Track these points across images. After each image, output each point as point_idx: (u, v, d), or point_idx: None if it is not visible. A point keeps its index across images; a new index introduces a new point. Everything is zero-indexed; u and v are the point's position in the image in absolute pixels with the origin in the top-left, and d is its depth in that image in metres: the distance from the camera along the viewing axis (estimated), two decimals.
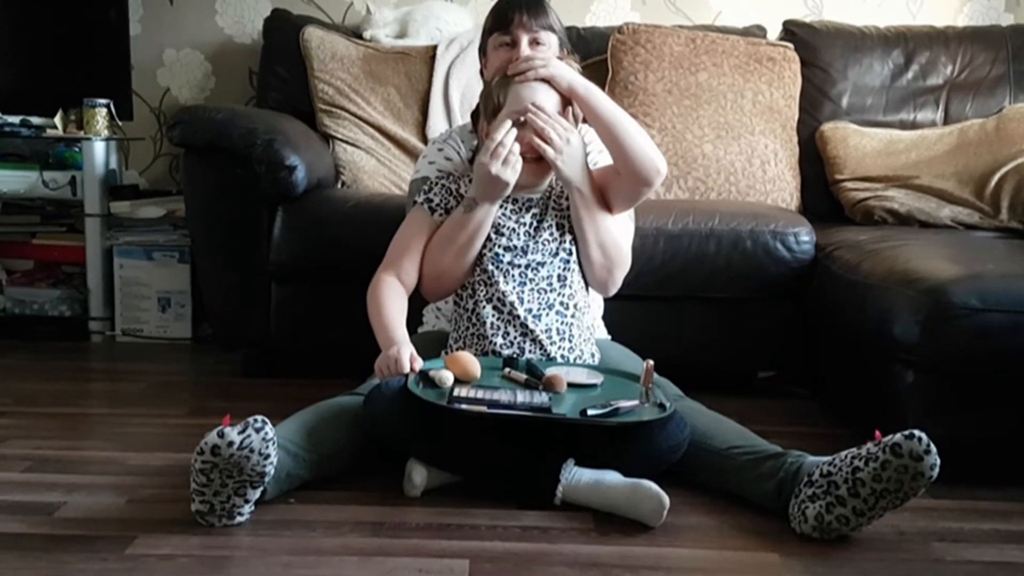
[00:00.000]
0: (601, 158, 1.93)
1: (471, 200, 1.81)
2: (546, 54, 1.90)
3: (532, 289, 1.82)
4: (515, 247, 1.84)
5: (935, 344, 1.77)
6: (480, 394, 1.62)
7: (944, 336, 1.76)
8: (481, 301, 1.83)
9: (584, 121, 1.88)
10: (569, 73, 1.83)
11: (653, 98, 2.76)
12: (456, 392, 1.62)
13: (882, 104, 2.91)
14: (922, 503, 1.56)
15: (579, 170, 1.82)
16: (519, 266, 1.83)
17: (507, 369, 1.74)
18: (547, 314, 1.82)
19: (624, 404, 1.63)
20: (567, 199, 1.87)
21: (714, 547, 1.51)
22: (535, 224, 1.87)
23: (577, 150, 1.81)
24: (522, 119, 1.79)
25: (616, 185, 1.85)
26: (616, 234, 1.89)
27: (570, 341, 1.83)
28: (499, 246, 1.84)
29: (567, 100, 1.84)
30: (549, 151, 1.78)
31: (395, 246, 1.89)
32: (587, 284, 1.91)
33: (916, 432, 1.45)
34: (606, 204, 1.87)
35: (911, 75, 2.92)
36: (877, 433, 1.49)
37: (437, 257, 1.84)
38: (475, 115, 2.07)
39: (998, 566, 1.47)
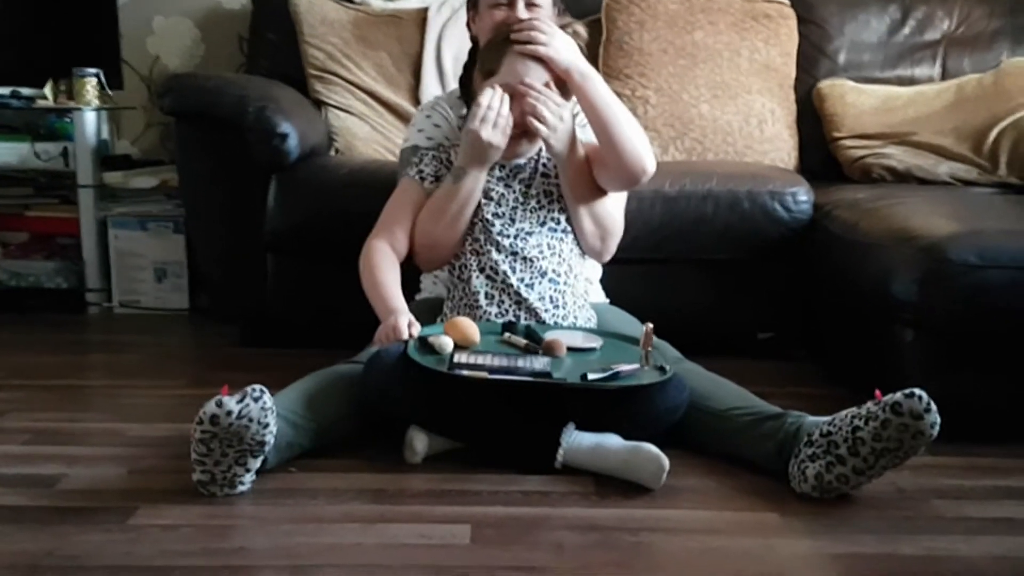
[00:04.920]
0: (588, 132, 1.90)
1: (460, 169, 1.80)
2: (550, 24, 1.84)
3: (523, 258, 1.81)
4: (503, 214, 1.83)
5: (934, 302, 1.77)
6: (480, 359, 1.62)
7: (943, 293, 1.75)
8: (474, 271, 1.82)
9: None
10: (569, 55, 1.80)
11: (648, 58, 2.73)
12: (456, 358, 1.62)
13: (879, 60, 2.88)
14: (922, 460, 1.56)
15: (568, 144, 1.80)
16: (508, 235, 1.82)
17: (506, 334, 1.74)
18: (540, 282, 1.81)
19: (624, 368, 1.63)
20: (556, 167, 1.86)
21: (714, 508, 1.52)
22: (523, 191, 1.85)
23: (568, 125, 1.79)
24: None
25: (602, 171, 1.83)
26: (608, 203, 1.88)
27: (564, 308, 1.83)
28: (488, 212, 1.83)
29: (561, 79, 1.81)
30: (543, 129, 1.76)
31: (386, 215, 1.88)
32: (582, 251, 1.90)
33: (916, 391, 1.45)
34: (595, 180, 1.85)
35: (908, 30, 2.89)
36: (877, 392, 1.50)
37: (429, 227, 1.83)
38: (463, 80, 2.05)
39: (998, 522, 1.48)
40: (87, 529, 1.40)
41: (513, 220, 1.84)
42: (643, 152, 1.82)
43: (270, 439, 1.48)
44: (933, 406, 1.44)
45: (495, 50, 1.82)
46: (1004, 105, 2.66)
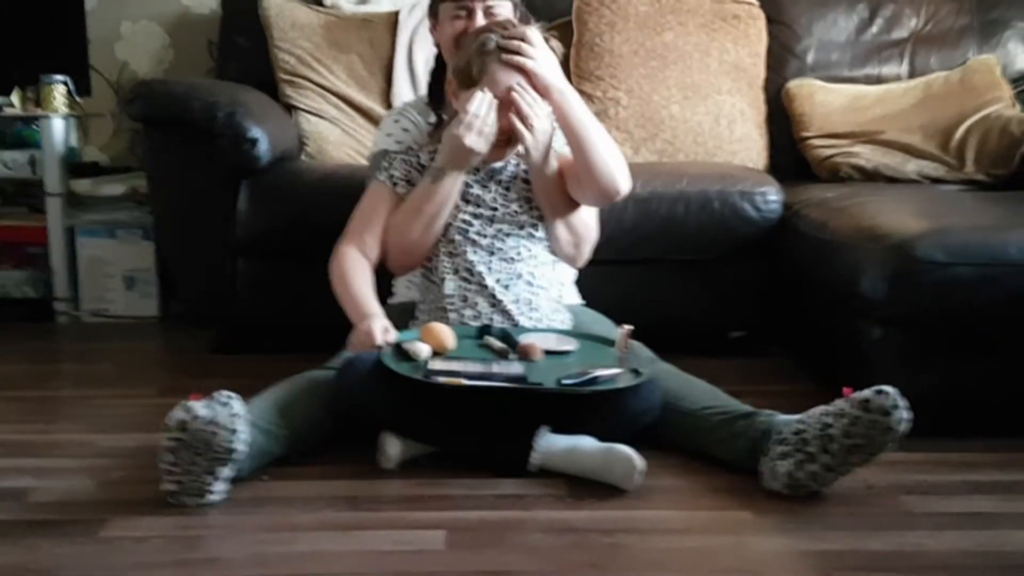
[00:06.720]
0: (560, 143, 1.89)
1: (438, 170, 1.79)
2: (538, 35, 1.80)
3: (500, 259, 1.81)
4: (482, 215, 1.83)
5: (902, 299, 1.79)
6: (456, 365, 1.61)
7: (910, 291, 1.77)
8: (448, 273, 1.81)
9: None
10: (551, 74, 1.79)
11: (620, 60, 2.74)
12: (431, 364, 1.61)
13: (847, 59, 2.90)
14: (891, 457, 1.57)
15: (544, 154, 1.79)
16: (486, 235, 1.82)
17: (484, 337, 1.73)
18: (515, 283, 1.81)
19: (601, 372, 1.63)
20: None
21: (687, 508, 1.53)
22: (503, 194, 1.85)
23: (548, 136, 1.79)
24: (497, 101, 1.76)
25: (576, 186, 1.83)
26: (582, 211, 1.88)
27: (538, 311, 1.82)
28: (466, 213, 1.82)
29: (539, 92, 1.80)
30: (528, 137, 1.75)
31: (356, 220, 1.86)
32: (557, 258, 1.90)
33: (885, 387, 1.47)
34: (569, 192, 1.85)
35: (876, 29, 2.91)
36: (847, 390, 1.51)
37: (404, 229, 1.82)
38: (431, 87, 2.04)
39: (966, 516, 1.50)
40: (58, 542, 1.39)
41: (492, 221, 1.83)
42: (617, 172, 1.81)
43: (240, 447, 1.47)
44: (902, 402, 1.46)
45: (476, 57, 1.77)
46: (971, 102, 2.69)
